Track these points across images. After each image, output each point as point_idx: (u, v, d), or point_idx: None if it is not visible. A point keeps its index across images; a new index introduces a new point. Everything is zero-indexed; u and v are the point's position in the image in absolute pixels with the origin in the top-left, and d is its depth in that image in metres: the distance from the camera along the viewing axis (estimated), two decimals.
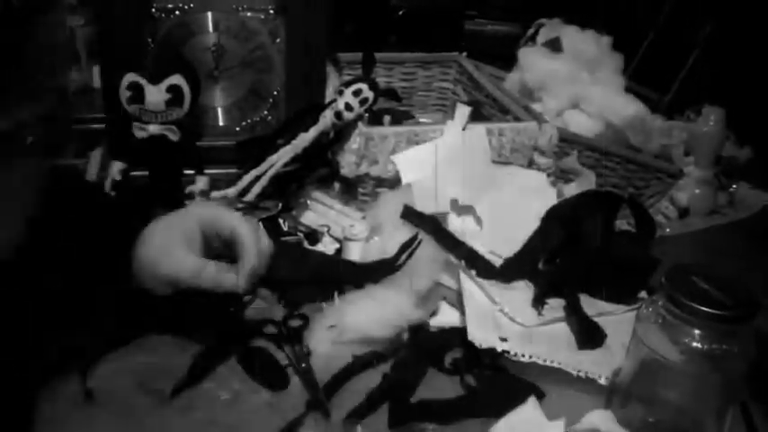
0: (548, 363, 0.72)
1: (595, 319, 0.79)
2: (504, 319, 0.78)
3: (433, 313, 0.81)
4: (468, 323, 0.75)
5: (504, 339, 0.74)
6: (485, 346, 0.72)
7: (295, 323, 0.76)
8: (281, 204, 0.97)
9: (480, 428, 0.65)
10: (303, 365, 0.71)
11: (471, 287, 0.81)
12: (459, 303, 0.81)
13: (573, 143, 1.02)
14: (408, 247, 0.80)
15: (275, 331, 0.76)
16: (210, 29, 1.01)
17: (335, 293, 0.79)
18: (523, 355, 0.72)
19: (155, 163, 0.96)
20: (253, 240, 0.71)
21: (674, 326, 0.61)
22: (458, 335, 0.76)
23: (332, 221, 0.95)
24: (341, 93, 0.94)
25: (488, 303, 0.80)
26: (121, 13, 0.95)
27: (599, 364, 0.73)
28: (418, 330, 0.77)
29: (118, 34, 0.96)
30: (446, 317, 0.81)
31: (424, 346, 0.76)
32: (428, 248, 0.82)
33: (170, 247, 0.69)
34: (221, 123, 1.06)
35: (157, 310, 0.70)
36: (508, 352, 0.72)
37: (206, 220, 0.71)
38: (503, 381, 0.72)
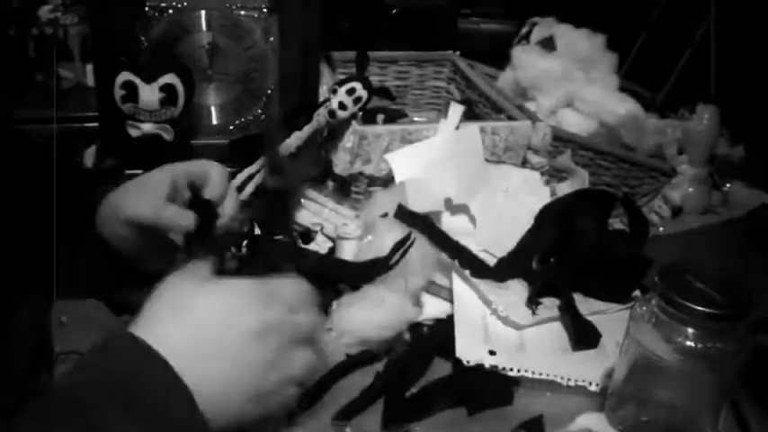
0: (536, 375, 0.72)
1: (589, 318, 0.79)
2: (494, 330, 0.78)
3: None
4: (456, 337, 0.75)
5: (492, 353, 0.74)
6: (473, 362, 0.72)
7: None
8: None
9: (472, 426, 0.66)
10: None
11: (463, 290, 0.81)
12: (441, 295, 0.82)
13: (566, 142, 1.02)
14: (402, 245, 0.79)
15: None
16: (204, 27, 1.01)
17: (331, 296, 0.78)
18: (512, 369, 0.72)
19: (148, 162, 0.96)
20: (221, 175, 0.70)
21: (667, 325, 0.61)
22: (450, 324, 0.77)
23: (325, 220, 0.94)
24: (334, 91, 0.93)
25: (479, 312, 0.80)
26: (115, 12, 0.95)
27: (591, 368, 0.73)
28: (417, 329, 0.78)
29: (111, 33, 0.96)
30: (432, 309, 0.81)
31: (424, 344, 0.76)
32: (421, 248, 0.81)
33: (131, 190, 0.69)
34: (215, 122, 1.06)
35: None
36: (496, 367, 0.72)
37: (178, 172, 0.70)
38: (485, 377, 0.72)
